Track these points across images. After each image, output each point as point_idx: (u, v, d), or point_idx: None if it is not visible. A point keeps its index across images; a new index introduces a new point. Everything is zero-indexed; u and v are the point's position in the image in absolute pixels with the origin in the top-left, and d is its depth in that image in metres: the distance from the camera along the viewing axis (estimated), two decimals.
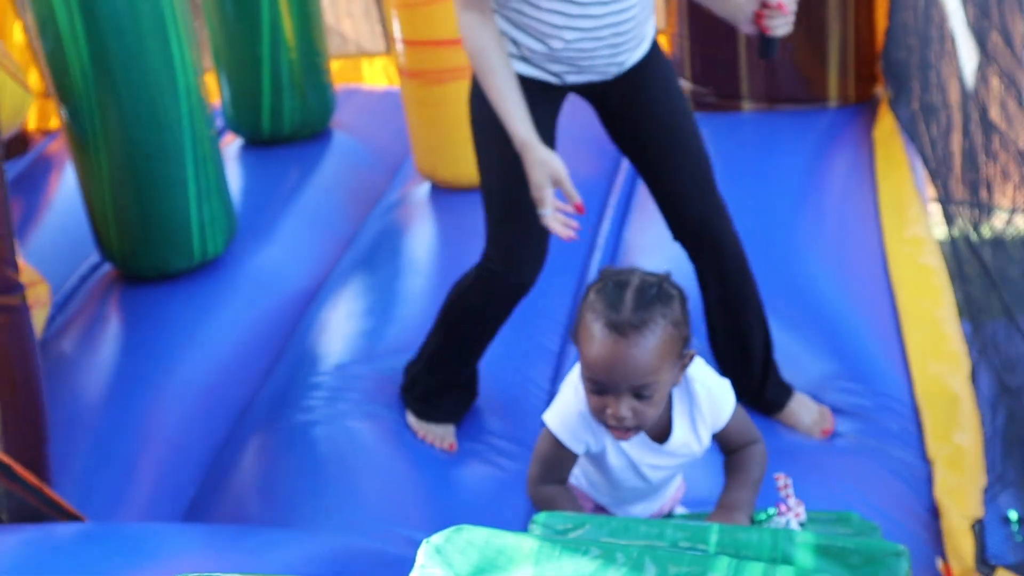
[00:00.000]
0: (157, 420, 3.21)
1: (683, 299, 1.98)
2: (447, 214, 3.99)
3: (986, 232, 2.97)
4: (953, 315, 3.34)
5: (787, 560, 1.65)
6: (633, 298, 1.91)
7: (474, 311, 2.86)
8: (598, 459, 2.13)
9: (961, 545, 2.66)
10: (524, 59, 2.57)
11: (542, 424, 2.45)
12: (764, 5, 2.48)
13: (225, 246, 3.74)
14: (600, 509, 2.27)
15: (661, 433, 2.09)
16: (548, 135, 2.63)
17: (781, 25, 2.48)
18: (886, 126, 4.26)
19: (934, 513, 2.80)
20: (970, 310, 3.28)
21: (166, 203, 3.51)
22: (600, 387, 1.94)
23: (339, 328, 3.44)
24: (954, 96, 3.26)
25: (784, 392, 2.98)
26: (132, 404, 3.24)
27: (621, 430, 1.99)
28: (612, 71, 2.61)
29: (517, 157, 2.44)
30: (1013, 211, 2.65)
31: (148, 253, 3.59)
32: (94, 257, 3.97)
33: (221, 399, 3.32)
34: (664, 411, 2.06)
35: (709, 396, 2.08)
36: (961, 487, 2.81)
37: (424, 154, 4.10)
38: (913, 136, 3.97)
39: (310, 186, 4.34)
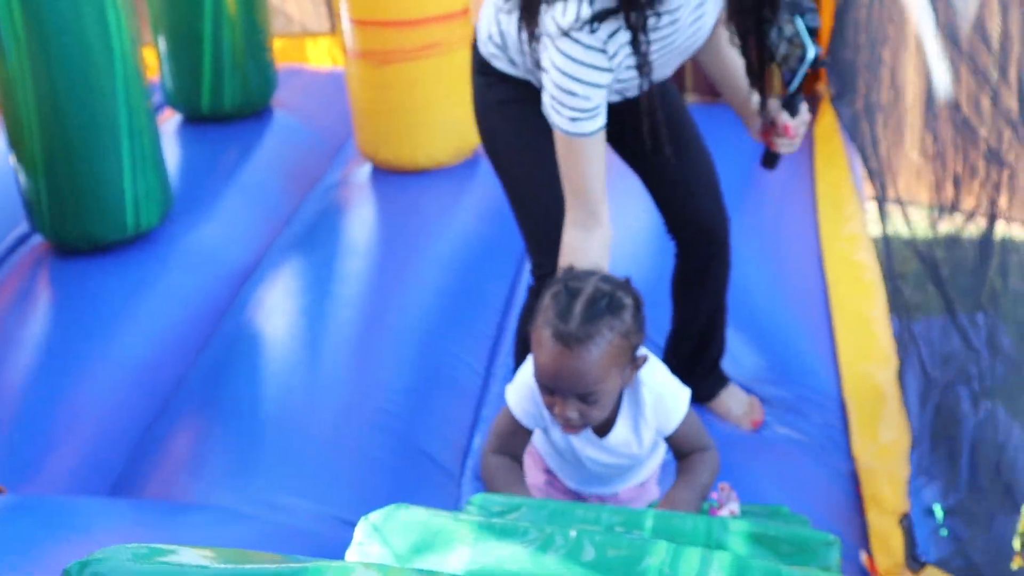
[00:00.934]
0: (86, 395, 3.16)
1: (637, 306, 2.01)
2: (388, 196, 3.97)
3: (942, 230, 3.01)
4: (884, 312, 3.39)
5: (721, 547, 1.66)
6: (582, 310, 1.94)
7: None
8: (548, 436, 2.21)
9: (890, 540, 2.70)
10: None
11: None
12: (773, 124, 2.53)
13: (160, 220, 3.68)
14: (554, 480, 2.33)
15: (603, 428, 2.13)
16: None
17: (786, 145, 2.54)
18: (827, 123, 4.30)
19: (859, 508, 2.83)
20: (901, 308, 3.32)
21: (99, 173, 3.44)
22: (548, 389, 1.99)
23: (276, 306, 3.40)
24: (913, 94, 3.28)
25: (719, 383, 3.00)
26: (61, 378, 3.18)
27: (567, 427, 2.04)
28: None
29: (544, 158, 2.37)
30: (973, 212, 2.68)
31: (80, 224, 3.52)
32: (24, 227, 3.89)
33: (153, 375, 3.27)
34: (613, 407, 2.10)
35: (657, 403, 2.11)
36: (886, 483, 2.85)
37: (367, 135, 4.07)
38: (854, 134, 4.01)
39: (249, 164, 4.29)
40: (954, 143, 2.90)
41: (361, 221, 3.86)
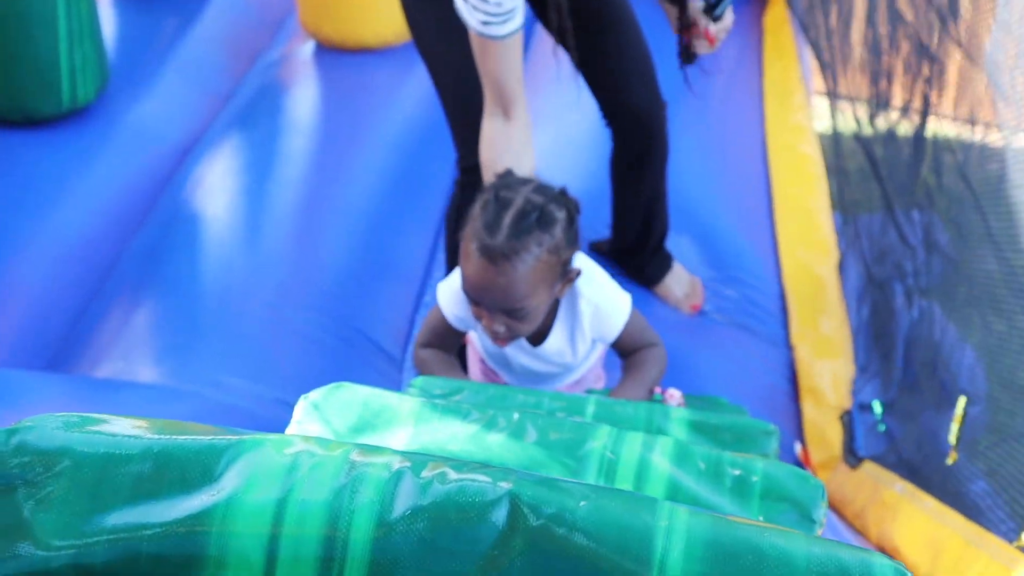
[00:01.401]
0: (21, 271, 3.11)
1: (571, 219, 1.97)
2: (331, 74, 3.88)
3: (880, 126, 3.00)
4: (826, 206, 3.40)
5: (662, 434, 1.66)
6: (511, 223, 1.89)
7: None
8: (482, 340, 2.16)
9: (826, 433, 2.73)
10: None
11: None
12: (693, 24, 2.45)
13: (97, 94, 3.58)
14: (492, 374, 2.31)
15: (537, 337, 2.11)
16: None
17: (704, 48, 2.49)
18: (777, 14, 4.26)
19: (794, 398, 2.86)
20: (843, 203, 3.33)
21: (34, 42, 3.33)
22: (475, 301, 1.96)
23: (215, 184, 3.34)
24: None
25: (665, 264, 3.00)
26: None
27: (495, 340, 2.02)
28: None
29: (464, 51, 2.31)
30: (906, 107, 2.68)
31: (14, 95, 3.41)
32: None
33: (90, 252, 3.22)
34: (547, 317, 2.07)
35: (595, 314, 2.08)
36: (826, 378, 2.88)
37: (310, 10, 3.96)
38: (807, 26, 3.97)
39: (188, 37, 4.17)
40: (889, 36, 2.89)
41: (304, 100, 3.78)
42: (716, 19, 2.43)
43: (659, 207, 2.91)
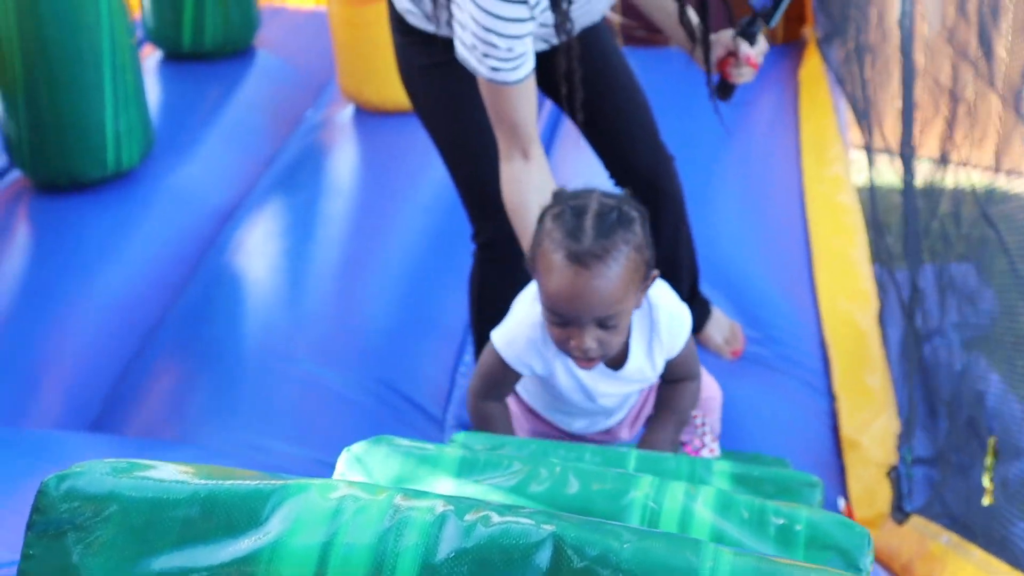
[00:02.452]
0: (65, 333, 3.15)
1: (644, 220, 1.90)
2: (371, 137, 3.93)
3: (920, 177, 3.00)
4: (865, 256, 3.39)
5: (704, 484, 1.65)
6: (593, 225, 1.82)
7: (502, 290, 2.38)
8: (544, 380, 2.06)
9: (872, 490, 2.70)
10: None
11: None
12: (732, 55, 2.39)
13: (141, 158, 3.65)
14: (535, 415, 2.23)
15: (617, 359, 2.01)
16: None
17: (747, 75, 2.41)
18: (812, 67, 4.28)
19: (836, 450, 2.84)
20: (881, 256, 3.32)
21: (81, 108, 3.40)
22: (563, 319, 1.86)
23: (257, 247, 3.38)
24: (895, 39, 3.26)
25: (704, 313, 2.98)
26: (39, 316, 3.16)
27: (586, 360, 1.92)
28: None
29: (471, 123, 2.28)
30: (944, 156, 2.67)
31: (60, 160, 3.49)
32: (2, 162, 3.85)
33: (132, 314, 3.26)
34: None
35: (670, 322, 2.00)
36: (868, 429, 2.85)
37: (349, 76, 4.03)
38: (842, 78, 3.99)
39: (231, 103, 4.25)
40: (926, 87, 2.89)
41: (343, 162, 3.83)
42: (753, 41, 2.36)
43: (682, 254, 2.86)
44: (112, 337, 3.18)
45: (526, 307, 2.01)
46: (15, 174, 3.76)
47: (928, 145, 2.84)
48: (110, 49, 3.39)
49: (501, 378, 2.04)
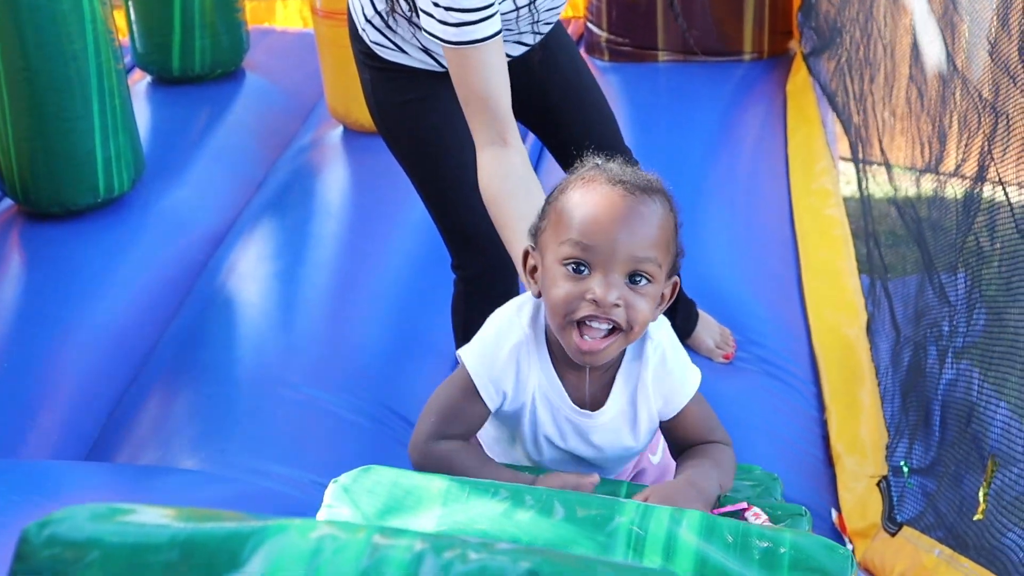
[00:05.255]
0: (60, 361, 3.15)
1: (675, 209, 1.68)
2: (360, 157, 3.94)
3: (925, 187, 3.01)
4: (852, 268, 3.40)
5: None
6: (633, 171, 1.63)
7: (485, 314, 1.97)
8: (502, 422, 1.74)
9: (863, 501, 2.71)
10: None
11: (454, 369, 2.35)
12: None
13: (131, 184, 3.66)
14: None
15: (594, 400, 1.69)
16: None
17: None
18: (799, 81, 4.31)
19: (827, 462, 2.84)
20: (872, 266, 3.33)
21: (70, 136, 3.41)
22: (588, 259, 1.56)
23: (249, 270, 3.39)
24: (902, 50, 3.27)
25: (693, 317, 2.97)
26: (32, 344, 3.16)
27: (596, 334, 1.57)
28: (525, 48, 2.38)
29: (446, 155, 2.20)
30: (959, 167, 2.68)
31: (50, 187, 3.49)
32: None
33: (127, 340, 3.26)
34: (608, 370, 1.69)
35: (661, 365, 1.68)
36: (858, 440, 2.86)
37: (337, 97, 4.04)
38: (831, 92, 4.01)
39: (220, 127, 4.26)
40: (942, 98, 2.89)
41: (333, 183, 3.84)
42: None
43: None
44: (107, 363, 3.18)
45: (508, 317, 1.70)
46: (6, 203, 3.77)
47: (947, 155, 2.84)
48: (97, 75, 3.40)
49: (463, 410, 1.67)
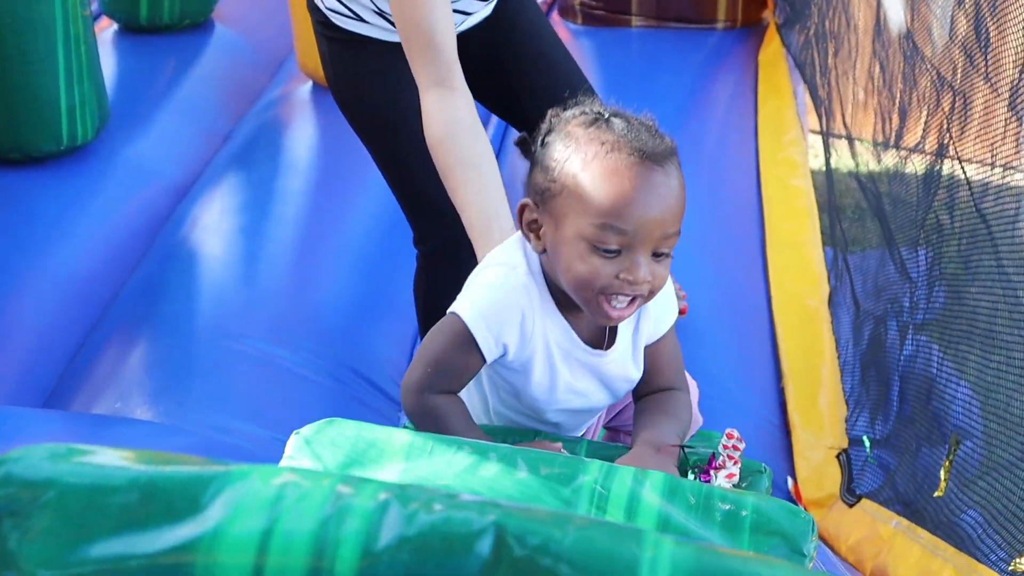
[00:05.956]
0: (19, 309, 3.11)
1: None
2: (329, 114, 3.88)
3: (887, 163, 3.02)
4: (817, 239, 3.42)
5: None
6: (646, 127, 1.56)
7: (447, 288, 1.94)
8: (507, 373, 1.70)
9: (820, 471, 2.73)
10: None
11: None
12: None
13: (96, 133, 3.60)
14: None
15: (600, 337, 1.68)
16: None
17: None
18: (772, 51, 4.30)
19: (785, 430, 2.86)
20: (835, 239, 3.34)
21: (32, 79, 3.35)
22: (622, 242, 1.53)
23: (213, 223, 3.36)
24: (864, 22, 3.27)
25: None
26: None
27: (623, 302, 1.57)
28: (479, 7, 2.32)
29: (415, 124, 2.06)
30: (920, 144, 2.69)
31: (13, 134, 3.43)
32: None
33: (87, 290, 3.23)
34: None
35: (661, 296, 1.66)
36: (816, 410, 2.88)
37: (308, 52, 3.99)
38: (801, 63, 4.01)
39: (188, 78, 4.21)
40: (904, 73, 2.90)
41: (301, 140, 3.81)
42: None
43: None
44: (67, 313, 3.15)
45: (502, 272, 1.65)
46: None
47: (907, 131, 2.85)
48: (63, 19, 3.33)
49: (455, 362, 1.63)
